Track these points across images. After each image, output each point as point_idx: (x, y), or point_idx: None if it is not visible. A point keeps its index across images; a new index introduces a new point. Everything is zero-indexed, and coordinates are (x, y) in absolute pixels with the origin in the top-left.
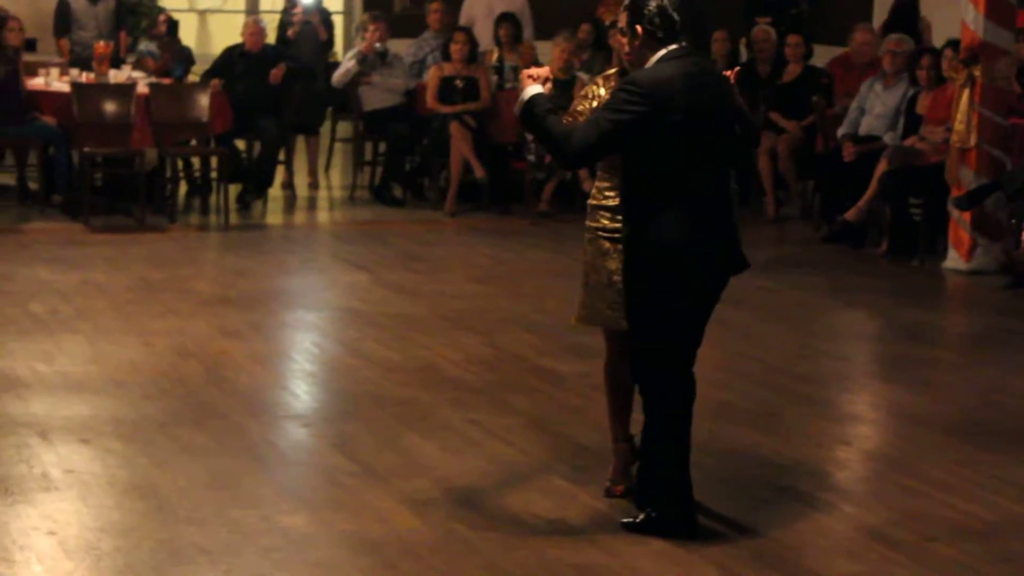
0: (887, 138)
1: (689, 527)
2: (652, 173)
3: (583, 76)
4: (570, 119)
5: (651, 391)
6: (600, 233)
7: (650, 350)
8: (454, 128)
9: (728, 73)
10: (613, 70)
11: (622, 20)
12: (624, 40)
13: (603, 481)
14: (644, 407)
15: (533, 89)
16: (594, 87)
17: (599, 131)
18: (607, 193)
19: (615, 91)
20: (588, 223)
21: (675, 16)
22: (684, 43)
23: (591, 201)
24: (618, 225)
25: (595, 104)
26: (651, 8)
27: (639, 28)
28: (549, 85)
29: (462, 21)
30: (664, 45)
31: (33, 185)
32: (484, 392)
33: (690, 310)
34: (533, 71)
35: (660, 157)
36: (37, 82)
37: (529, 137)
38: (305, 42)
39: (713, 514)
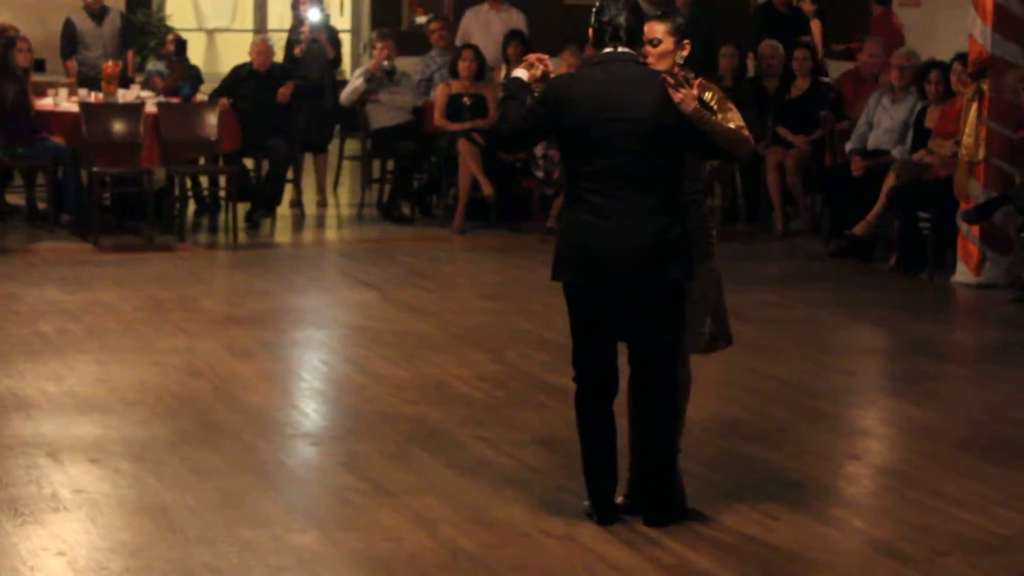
0: (895, 152)
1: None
2: (568, 172)
3: None
4: None
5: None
6: None
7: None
8: (462, 145)
9: (695, 83)
10: None
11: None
12: (648, 50)
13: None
14: None
15: (517, 73)
16: None
17: (520, 123)
18: None
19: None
20: None
21: (621, 23)
22: (621, 49)
23: None
24: None
25: None
26: (602, 17)
27: (590, 31)
28: (535, 72)
29: (459, 39)
30: (602, 49)
31: (42, 205)
32: (493, 409)
33: (585, 315)
34: (532, 56)
35: (568, 157)
36: (46, 102)
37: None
38: (313, 60)
39: (723, 529)
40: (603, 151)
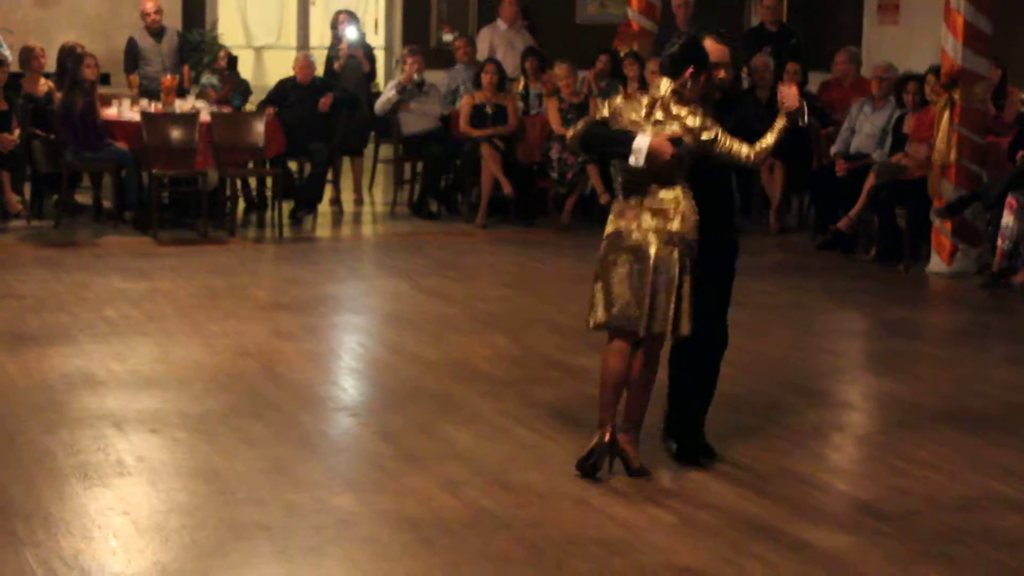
0: (875, 155)
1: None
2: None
3: (597, 100)
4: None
5: (719, 347)
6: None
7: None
8: (484, 150)
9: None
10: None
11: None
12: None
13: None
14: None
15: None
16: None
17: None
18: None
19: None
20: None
21: None
22: None
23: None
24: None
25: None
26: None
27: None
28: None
29: (480, 55)
30: None
31: (107, 203)
32: (512, 385)
33: None
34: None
35: None
36: (111, 112)
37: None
38: (350, 74)
39: (720, 492)
40: None
